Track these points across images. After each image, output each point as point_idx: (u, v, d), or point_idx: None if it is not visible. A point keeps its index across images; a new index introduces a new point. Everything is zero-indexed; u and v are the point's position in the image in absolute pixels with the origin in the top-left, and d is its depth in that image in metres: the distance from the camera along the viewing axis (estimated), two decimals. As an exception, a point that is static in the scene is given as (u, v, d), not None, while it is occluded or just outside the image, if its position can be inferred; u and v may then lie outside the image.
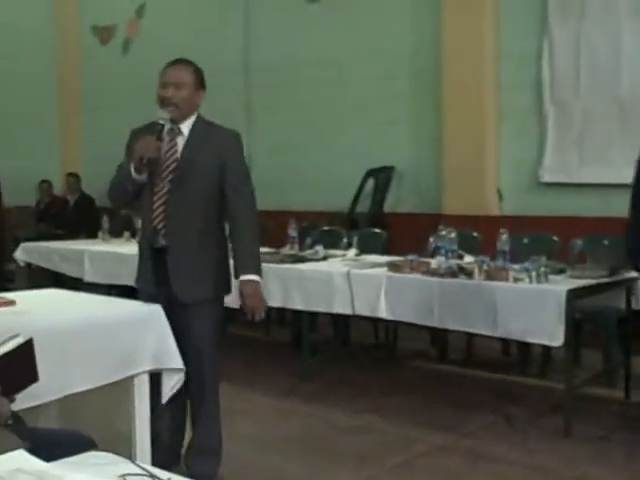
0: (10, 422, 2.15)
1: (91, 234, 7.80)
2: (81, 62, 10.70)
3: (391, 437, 4.07)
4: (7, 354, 2.31)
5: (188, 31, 8.93)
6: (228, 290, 3.51)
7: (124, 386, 3.11)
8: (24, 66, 9.94)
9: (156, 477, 1.35)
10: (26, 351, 2.39)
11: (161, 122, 3.21)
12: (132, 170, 3.18)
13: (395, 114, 7.53)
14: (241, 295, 3.27)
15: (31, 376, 2.42)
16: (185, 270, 3.26)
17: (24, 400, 2.37)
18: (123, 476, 1.34)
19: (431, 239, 5.60)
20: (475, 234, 5.80)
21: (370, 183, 7.51)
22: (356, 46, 7.73)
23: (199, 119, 3.34)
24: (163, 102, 3.24)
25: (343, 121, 7.88)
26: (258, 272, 3.29)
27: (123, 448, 3.14)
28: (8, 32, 9.82)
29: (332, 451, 3.89)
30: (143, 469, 1.37)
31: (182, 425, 3.56)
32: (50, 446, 2.15)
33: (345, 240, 6.18)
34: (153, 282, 3.34)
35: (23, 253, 7.18)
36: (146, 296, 3.34)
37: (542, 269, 4.18)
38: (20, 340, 2.38)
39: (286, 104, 8.23)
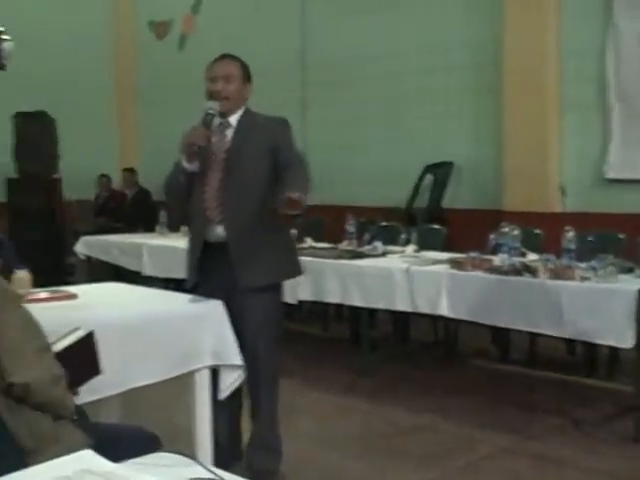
0: (75, 417, 2.13)
1: (148, 228, 7.86)
2: (137, 57, 10.80)
3: (454, 438, 3.98)
4: (69, 347, 2.30)
5: (244, 27, 8.92)
6: (296, 272, 3.50)
7: (185, 381, 3.09)
8: (82, 62, 10.04)
9: (227, 482, 1.29)
10: (88, 344, 2.38)
11: (211, 112, 3.21)
12: (183, 160, 3.19)
13: (454, 108, 7.40)
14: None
15: (93, 369, 2.40)
16: (247, 256, 3.22)
17: (86, 394, 2.36)
18: (193, 480, 1.29)
19: (492, 236, 5.47)
20: (537, 231, 5.65)
21: (428, 178, 7.40)
22: (414, 39, 7.61)
23: (247, 111, 3.36)
24: (213, 96, 3.25)
25: (401, 116, 7.78)
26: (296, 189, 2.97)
27: (183, 443, 3.12)
28: (66, 28, 9.92)
29: (393, 450, 3.81)
30: (213, 473, 1.31)
31: (240, 422, 3.54)
32: (114, 442, 2.13)
33: (403, 236, 6.08)
34: (206, 275, 3.31)
35: (83, 246, 7.28)
36: (199, 288, 3.32)
37: (610, 268, 4.03)
38: (81, 333, 2.36)
39: (343, 100, 8.16)
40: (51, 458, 1.90)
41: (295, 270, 3.49)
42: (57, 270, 7.86)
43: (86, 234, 7.70)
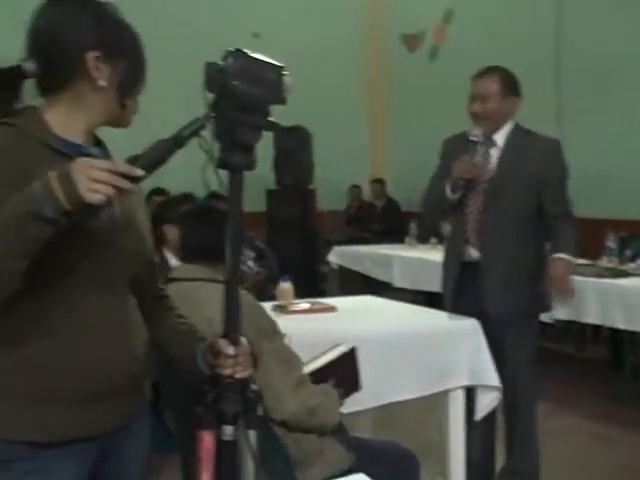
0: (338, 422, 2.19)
1: (397, 238, 7.92)
2: (388, 70, 10.97)
3: None
4: (331, 362, 2.36)
5: (495, 35, 8.71)
6: (546, 308, 3.34)
7: (436, 396, 3.05)
8: (334, 75, 10.35)
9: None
10: (350, 360, 2.44)
11: (474, 139, 3.12)
12: (448, 190, 3.13)
13: None
14: (548, 275, 3.05)
15: (354, 385, 2.45)
16: (499, 285, 3.13)
17: (346, 406, 2.40)
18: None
19: None
20: None
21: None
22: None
23: (516, 128, 3.20)
24: (472, 117, 3.17)
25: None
26: (570, 252, 3.07)
27: (434, 460, 3.11)
28: (319, 43, 10.25)
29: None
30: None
31: (494, 444, 3.44)
32: (373, 458, 2.16)
33: (672, 253, 5.58)
34: (460, 295, 3.25)
35: (336, 256, 7.50)
36: (452, 307, 3.27)
37: None
38: (343, 349, 2.42)
39: (604, 106, 7.66)
40: (317, 470, 1.98)
41: (544, 306, 3.31)
42: (311, 278, 8.18)
43: (337, 244, 7.94)
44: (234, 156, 1.39)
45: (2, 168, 1.37)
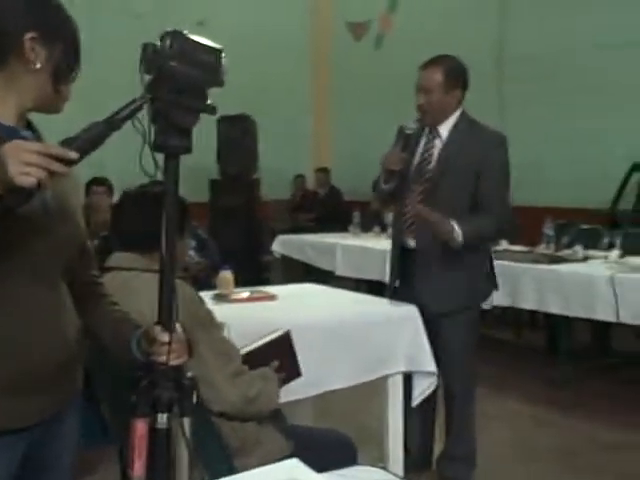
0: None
1: (340, 227, 7.94)
2: (334, 59, 10.96)
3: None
4: (264, 346, 2.35)
5: (440, 25, 8.78)
6: (483, 298, 3.41)
7: (376, 384, 3.08)
8: (280, 64, 10.27)
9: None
10: (285, 343, 2.41)
11: (407, 132, 3.14)
12: (381, 181, 3.22)
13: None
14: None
15: (294, 371, 2.44)
16: (434, 275, 3.16)
17: (284, 395, 2.41)
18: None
19: None
20: None
21: (635, 177, 6.94)
22: (624, 30, 7.08)
23: (462, 119, 3.18)
24: (417, 108, 3.18)
25: (608, 111, 7.30)
26: (461, 233, 2.99)
27: (373, 447, 3.15)
28: (265, 31, 10.14)
29: (594, 468, 3.60)
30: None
31: (432, 430, 3.49)
32: (311, 446, 2.17)
33: (606, 240, 5.74)
34: (403, 282, 3.30)
35: (279, 245, 7.48)
36: (394, 294, 3.30)
37: None
38: (278, 333, 2.41)
39: (543, 96, 7.80)
40: (255, 460, 1.98)
41: (483, 295, 3.38)
42: (255, 268, 8.15)
43: (282, 232, 7.92)
44: (170, 139, 1.38)
45: None
